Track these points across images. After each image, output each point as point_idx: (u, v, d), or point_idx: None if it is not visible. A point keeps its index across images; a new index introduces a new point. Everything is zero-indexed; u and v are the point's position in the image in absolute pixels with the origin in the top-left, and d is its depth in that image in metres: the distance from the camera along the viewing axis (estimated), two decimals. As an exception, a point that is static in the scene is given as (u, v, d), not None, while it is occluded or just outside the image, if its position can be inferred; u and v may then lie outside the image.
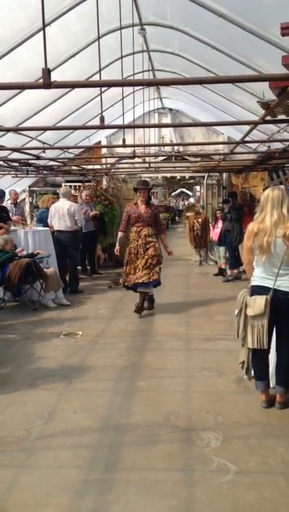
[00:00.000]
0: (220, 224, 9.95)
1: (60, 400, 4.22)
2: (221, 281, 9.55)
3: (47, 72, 2.60)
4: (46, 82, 2.61)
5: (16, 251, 7.40)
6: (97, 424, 3.75)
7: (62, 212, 8.34)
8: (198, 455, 3.26)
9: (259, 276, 3.76)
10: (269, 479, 2.99)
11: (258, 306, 3.64)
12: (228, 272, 9.62)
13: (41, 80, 2.67)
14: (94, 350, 5.53)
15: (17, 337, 6.04)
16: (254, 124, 5.65)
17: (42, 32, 2.88)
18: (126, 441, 3.51)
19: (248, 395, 4.16)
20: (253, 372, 3.92)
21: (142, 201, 6.92)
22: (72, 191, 10.95)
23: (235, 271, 9.51)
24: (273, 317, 3.69)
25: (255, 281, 3.79)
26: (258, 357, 3.83)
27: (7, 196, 11.12)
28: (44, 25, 2.76)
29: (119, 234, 7.23)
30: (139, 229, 6.83)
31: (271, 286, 3.69)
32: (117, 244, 7.31)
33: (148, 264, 6.69)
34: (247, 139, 6.73)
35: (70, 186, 12.56)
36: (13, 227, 8.38)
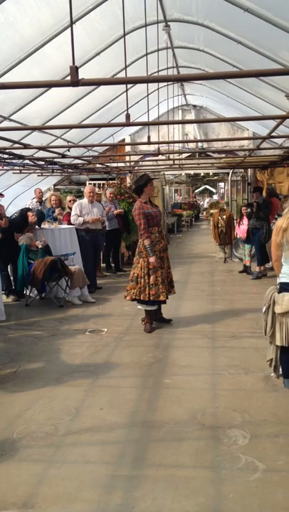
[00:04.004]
0: (245, 221, 9.85)
1: (86, 395, 4.25)
2: (250, 278, 9.39)
3: (75, 69, 2.61)
4: (74, 79, 2.62)
5: (37, 243, 7.59)
6: (124, 421, 3.76)
7: None
8: (225, 453, 3.24)
9: (288, 273, 3.71)
10: (298, 478, 2.95)
11: (286, 304, 3.59)
12: (257, 268, 9.48)
13: (69, 78, 2.68)
14: (119, 347, 5.56)
15: (44, 333, 6.12)
16: (282, 119, 5.58)
17: (67, 31, 2.89)
18: (153, 437, 3.51)
19: (276, 393, 4.11)
20: (281, 370, 3.87)
21: (148, 198, 6.14)
22: (97, 189, 11.00)
23: (262, 268, 9.40)
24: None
25: (284, 277, 3.74)
26: (287, 354, 3.78)
27: (32, 195, 11.29)
28: (72, 23, 2.77)
29: (148, 241, 5.84)
30: (158, 230, 6.03)
31: (300, 284, 3.63)
32: (151, 255, 5.82)
33: (168, 271, 6.19)
34: (273, 134, 6.65)
35: (95, 184, 12.62)
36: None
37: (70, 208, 9.25)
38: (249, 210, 9.66)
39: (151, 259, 5.83)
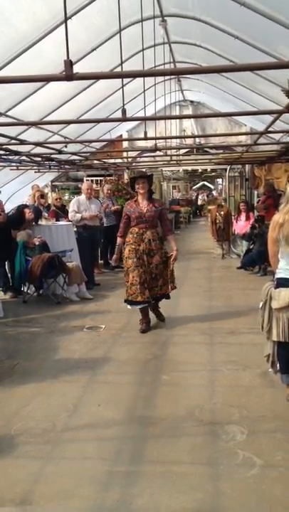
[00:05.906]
0: (243, 217, 9.86)
1: (84, 392, 4.24)
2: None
3: (69, 63, 2.59)
4: (68, 73, 2.60)
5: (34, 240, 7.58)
6: (121, 417, 3.76)
7: None
8: (223, 449, 3.24)
9: (284, 269, 3.70)
10: (296, 474, 2.95)
11: (282, 299, 3.58)
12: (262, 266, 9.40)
13: (64, 73, 2.66)
14: (117, 344, 5.55)
15: (41, 330, 6.11)
16: (278, 114, 5.56)
17: (63, 26, 2.87)
18: (150, 434, 3.50)
19: (273, 388, 4.11)
20: (278, 365, 3.87)
21: (143, 196, 5.80)
22: (94, 185, 10.98)
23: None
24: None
25: (281, 273, 3.72)
26: (284, 350, 3.77)
27: (29, 191, 11.25)
28: (66, 17, 2.74)
29: (118, 240, 6.02)
30: (141, 231, 5.75)
31: (297, 279, 3.62)
32: (115, 253, 6.21)
33: (154, 275, 5.81)
34: (270, 129, 6.63)
35: (92, 181, 12.59)
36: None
37: (56, 206, 9.34)
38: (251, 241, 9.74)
39: (113, 257, 6.32)
